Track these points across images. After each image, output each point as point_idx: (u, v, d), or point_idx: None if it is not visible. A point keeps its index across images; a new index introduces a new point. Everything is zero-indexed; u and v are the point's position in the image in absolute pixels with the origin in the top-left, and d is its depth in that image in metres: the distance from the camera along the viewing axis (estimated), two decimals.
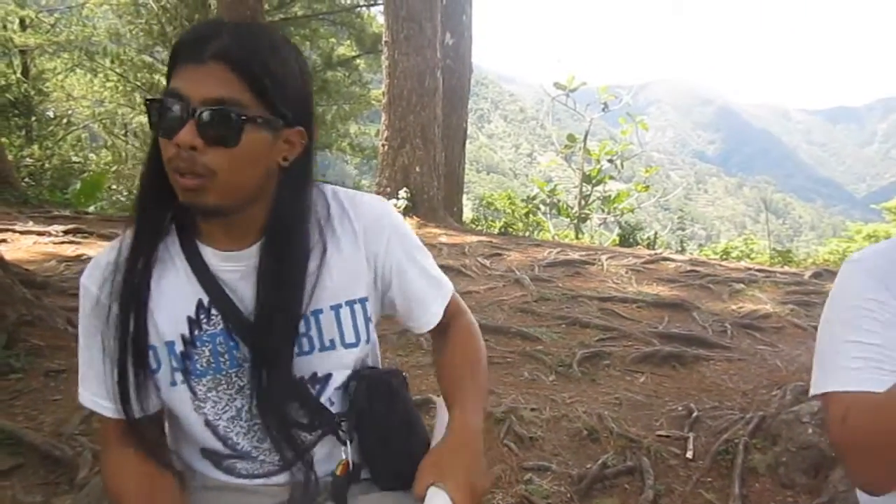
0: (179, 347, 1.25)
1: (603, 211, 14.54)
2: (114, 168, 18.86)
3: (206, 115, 1.07)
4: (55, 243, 5.94)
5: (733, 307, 5.06)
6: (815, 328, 3.95)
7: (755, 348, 4.24)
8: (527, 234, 12.85)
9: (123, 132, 21.80)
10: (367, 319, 1.33)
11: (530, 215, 14.20)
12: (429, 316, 1.41)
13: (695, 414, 3.28)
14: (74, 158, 17.89)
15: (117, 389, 1.21)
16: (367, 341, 1.35)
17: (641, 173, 16.19)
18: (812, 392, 1.22)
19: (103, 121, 21.27)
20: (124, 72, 21.11)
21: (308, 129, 1.19)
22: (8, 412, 3.04)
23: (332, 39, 22.48)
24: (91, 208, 9.96)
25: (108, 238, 6.31)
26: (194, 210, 1.17)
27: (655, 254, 7.38)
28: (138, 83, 21.27)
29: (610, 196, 14.64)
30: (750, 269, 6.70)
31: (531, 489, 2.73)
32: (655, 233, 12.75)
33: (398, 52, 7.62)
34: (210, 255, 1.24)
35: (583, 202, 14.41)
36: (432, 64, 8.58)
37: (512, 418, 3.17)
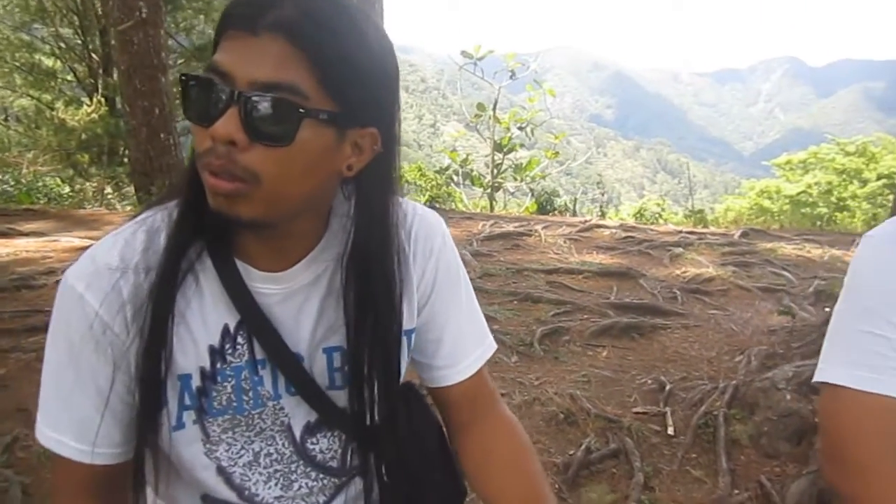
0: (197, 382, 0.99)
1: (515, 179, 14.56)
2: None
3: (254, 101, 0.82)
4: None
5: (677, 272, 5.05)
6: (759, 289, 3.94)
7: (707, 313, 4.22)
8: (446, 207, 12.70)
9: (4, 117, 20.24)
10: (407, 354, 1.12)
11: (443, 187, 14.06)
12: (461, 366, 1.15)
13: (667, 387, 3.19)
14: None
15: (116, 433, 0.99)
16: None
17: (548, 140, 16.29)
18: (815, 378, 1.07)
19: None
20: (0, 51, 19.58)
21: (385, 132, 0.93)
22: None
23: None
24: None
25: (5, 235, 5.72)
26: (226, 220, 0.90)
27: (586, 221, 7.35)
28: (17, 63, 19.79)
29: (521, 164, 14.67)
30: (680, 231, 6.76)
31: None
32: (575, 199, 12.82)
33: None
34: (248, 273, 1.00)
35: (495, 171, 14.37)
36: None
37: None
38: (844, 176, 17.50)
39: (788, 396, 2.86)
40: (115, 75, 18.39)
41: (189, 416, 1.00)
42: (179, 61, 16.52)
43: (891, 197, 16.26)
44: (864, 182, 16.94)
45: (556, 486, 2.57)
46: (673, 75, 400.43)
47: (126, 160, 16.80)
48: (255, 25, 0.82)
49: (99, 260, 0.96)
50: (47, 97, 19.87)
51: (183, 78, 0.87)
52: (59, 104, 18.47)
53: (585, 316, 4.07)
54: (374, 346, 1.00)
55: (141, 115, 10.43)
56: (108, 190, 12.91)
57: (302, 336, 1.03)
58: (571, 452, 2.74)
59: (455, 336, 1.14)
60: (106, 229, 6.47)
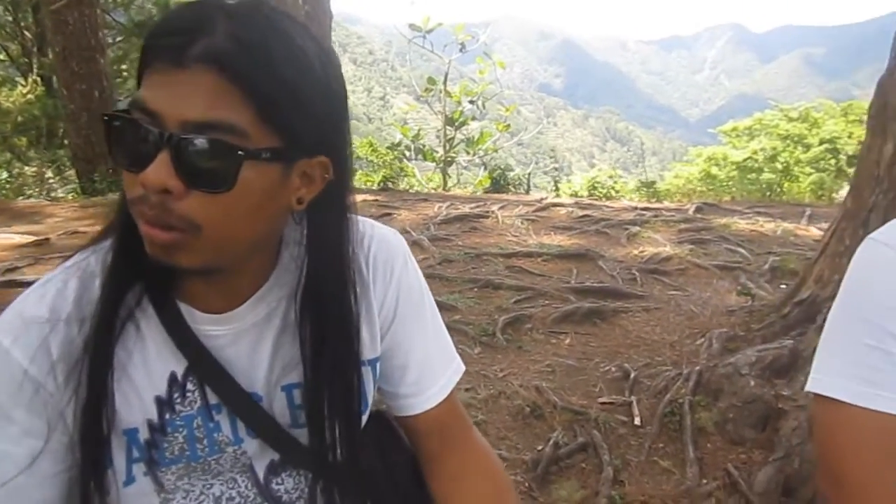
0: (144, 435, 0.92)
1: (468, 153, 14.52)
2: None
3: (187, 145, 0.73)
4: None
5: (635, 252, 5.06)
6: (716, 267, 3.96)
7: (667, 294, 4.24)
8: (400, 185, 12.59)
9: None
10: (373, 384, 1.06)
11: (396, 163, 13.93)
12: (429, 393, 1.09)
13: (632, 375, 3.19)
14: None
15: (55, 499, 0.90)
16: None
17: (498, 112, 16.25)
18: (811, 388, 1.03)
19: None
20: None
21: (336, 159, 0.86)
22: None
23: None
24: None
25: None
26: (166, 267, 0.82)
27: (542, 200, 7.33)
28: None
29: (473, 138, 14.63)
30: (636, 208, 6.79)
31: None
32: (529, 173, 12.82)
33: None
34: (193, 316, 0.92)
35: (447, 145, 14.28)
36: (294, 11, 7.98)
37: None
38: (788, 141, 17.84)
39: (752, 382, 2.87)
40: (51, 55, 17.74)
41: (139, 469, 0.93)
42: (118, 38, 15.91)
43: (832, 161, 16.72)
44: (808, 147, 17.30)
45: (526, 483, 2.54)
46: (620, 43, 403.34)
47: (67, 143, 16.24)
48: (183, 57, 0.72)
49: (27, 313, 0.87)
50: None
51: (106, 118, 0.78)
52: None
53: (547, 302, 4.05)
54: (332, 382, 0.94)
55: (80, 99, 10.05)
56: (49, 174, 12.43)
57: (258, 376, 0.96)
58: (540, 448, 2.71)
59: (421, 362, 1.08)
60: (48, 222, 6.22)
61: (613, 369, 3.30)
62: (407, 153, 14.25)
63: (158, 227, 0.76)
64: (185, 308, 0.91)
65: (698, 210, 6.48)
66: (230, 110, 0.73)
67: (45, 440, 0.87)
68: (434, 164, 14.26)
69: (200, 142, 0.73)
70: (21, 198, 9.33)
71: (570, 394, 3.08)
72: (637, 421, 2.89)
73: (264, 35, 0.76)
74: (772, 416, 2.78)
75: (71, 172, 12.22)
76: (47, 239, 5.31)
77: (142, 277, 0.89)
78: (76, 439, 0.87)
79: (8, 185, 10.79)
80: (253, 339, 0.95)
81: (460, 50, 15.15)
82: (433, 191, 10.17)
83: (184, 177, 0.73)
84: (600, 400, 3.05)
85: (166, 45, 0.74)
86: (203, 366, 0.92)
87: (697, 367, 3.15)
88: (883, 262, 0.98)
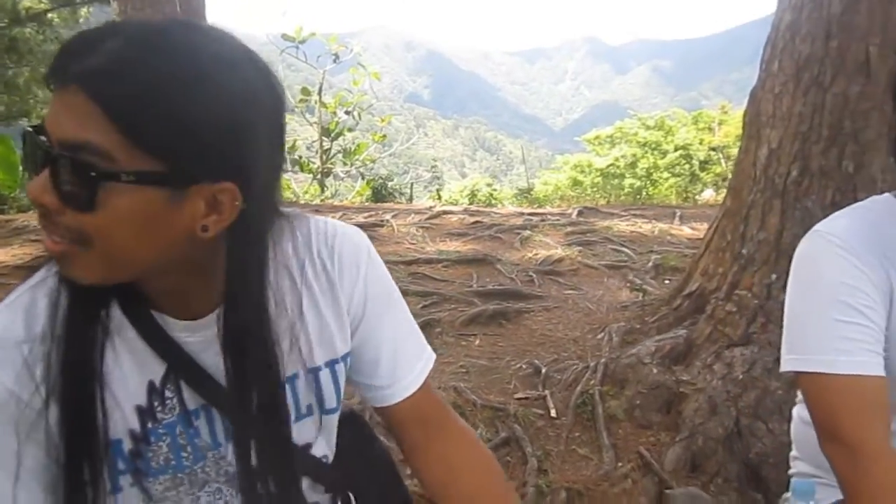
0: (128, 446, 0.93)
1: (344, 164, 14.49)
2: None
3: (60, 162, 0.75)
4: None
5: (529, 255, 5.27)
6: (605, 266, 4.21)
7: (564, 294, 4.45)
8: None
9: None
10: (344, 377, 1.10)
11: None
12: (404, 382, 1.12)
13: (543, 370, 3.34)
14: None
15: None
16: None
17: (372, 122, 16.35)
18: (788, 368, 1.20)
19: None
20: None
21: (247, 185, 0.82)
22: None
23: None
24: None
25: None
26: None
27: (432, 208, 7.47)
28: None
29: (349, 149, 14.63)
30: (522, 213, 7.04)
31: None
32: (412, 185, 12.97)
33: (131, 6, 6.64)
34: (167, 323, 0.94)
35: (324, 157, 14.20)
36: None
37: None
38: (647, 148, 18.96)
39: (654, 370, 3.09)
40: None
41: (125, 480, 0.94)
42: None
43: (686, 166, 17.96)
44: (664, 153, 18.47)
45: None
46: (485, 54, 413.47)
47: None
48: (63, 77, 0.75)
49: (4, 335, 0.87)
50: None
51: (28, 128, 0.79)
52: None
53: (453, 306, 4.16)
54: (252, 401, 0.92)
55: None
56: None
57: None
58: None
59: (393, 352, 1.12)
60: None
61: (524, 366, 3.44)
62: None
63: (52, 237, 0.78)
64: (157, 316, 0.93)
65: (580, 213, 6.83)
66: (93, 132, 0.73)
67: (29, 458, 0.87)
68: (311, 175, 14.14)
69: (64, 161, 0.74)
70: None
71: (487, 392, 3.20)
72: (553, 413, 3.04)
73: (149, 56, 0.74)
74: (674, 401, 3.01)
75: None
76: None
77: (110, 291, 0.90)
78: (60, 454, 0.87)
79: None
80: (218, 349, 0.95)
81: (334, 61, 15.11)
82: (322, 202, 10.09)
83: (59, 193, 0.75)
84: (516, 396, 3.17)
85: (55, 66, 0.76)
86: (182, 368, 0.94)
87: (602, 360, 3.34)
88: (829, 249, 1.17)
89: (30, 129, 0.77)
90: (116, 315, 0.91)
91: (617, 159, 19.32)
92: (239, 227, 0.84)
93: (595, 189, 17.92)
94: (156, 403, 0.94)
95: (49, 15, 19.83)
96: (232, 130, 0.77)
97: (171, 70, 0.74)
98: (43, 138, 0.75)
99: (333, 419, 1.10)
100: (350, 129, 14.68)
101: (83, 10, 20.05)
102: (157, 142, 0.74)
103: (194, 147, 0.76)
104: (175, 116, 0.74)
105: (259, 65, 0.83)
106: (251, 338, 0.90)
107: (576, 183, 19.19)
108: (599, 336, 3.74)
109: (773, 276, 2.95)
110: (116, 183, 0.74)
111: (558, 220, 6.52)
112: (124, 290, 0.90)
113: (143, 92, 0.72)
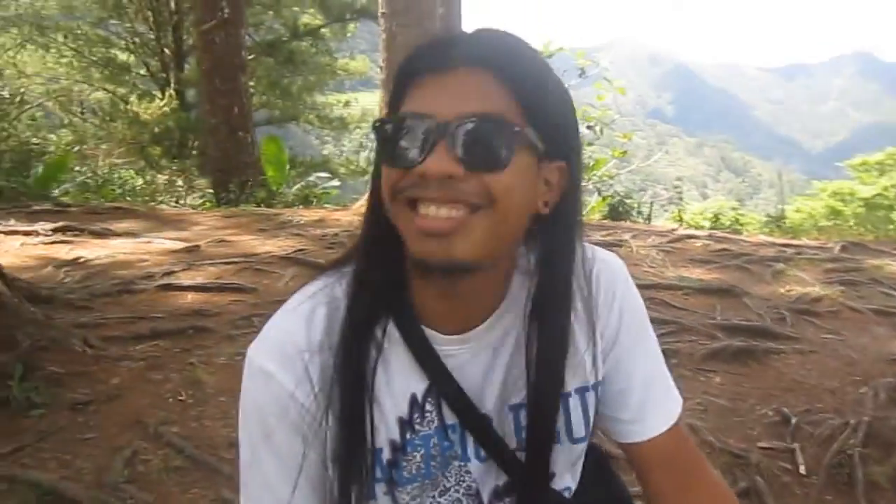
0: (387, 456, 0.97)
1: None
2: (75, 148, 18.07)
3: (466, 131, 0.80)
4: (45, 244, 5.44)
5: (781, 290, 4.84)
6: (872, 311, 3.72)
7: (821, 338, 4.03)
8: None
9: (80, 110, 20.92)
10: (595, 409, 1.07)
11: None
12: (654, 418, 1.07)
13: (793, 421, 3.04)
14: (34, 140, 17.04)
15: None
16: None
17: (613, 138, 16.05)
18: None
19: (59, 98, 20.26)
20: (79, 47, 20.23)
21: (572, 166, 0.91)
22: (37, 457, 2.68)
23: (296, 8, 21.92)
24: (56, 192, 9.33)
25: (100, 235, 5.84)
26: (432, 268, 0.85)
27: (674, 231, 7.15)
28: (94, 58, 20.43)
29: (588, 164, 14.50)
30: (774, 243, 6.51)
31: None
32: (651, 203, 12.55)
33: (396, 23, 7.11)
34: (434, 338, 0.96)
35: None
36: (432, 35, 8.05)
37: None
38: None
39: None
40: (186, 70, 18.88)
41: (381, 489, 0.98)
42: (250, 56, 16.77)
43: None
44: None
45: None
46: (738, 71, 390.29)
47: (195, 153, 17.23)
48: (449, 62, 0.82)
49: (286, 340, 0.93)
50: (122, 91, 20.54)
51: (377, 124, 0.86)
52: (133, 98, 19.10)
53: (693, 337, 3.93)
54: (551, 403, 0.96)
55: (221, 114, 10.61)
56: (179, 183, 13.18)
57: (488, 395, 0.99)
58: None
59: (643, 386, 1.07)
60: (194, 230, 6.58)
61: (770, 413, 3.16)
62: None
63: (446, 205, 0.81)
64: (427, 331, 0.95)
65: (844, 249, 6.15)
66: (501, 103, 0.82)
67: (304, 459, 0.93)
68: None
69: (480, 124, 0.80)
70: (153, 203, 9.89)
71: (726, 435, 2.97)
72: (802, 470, 2.76)
73: (516, 42, 0.86)
74: None
75: (199, 181, 12.94)
76: (197, 246, 5.61)
77: (385, 304, 0.94)
78: (334, 458, 0.92)
79: (143, 191, 11.51)
80: (489, 359, 0.98)
81: (580, 75, 15.09)
82: None
83: (465, 161, 0.80)
84: (760, 444, 2.92)
85: (430, 56, 0.84)
86: (442, 384, 0.96)
87: (865, 418, 2.97)
88: None
89: (397, 117, 0.84)
90: (390, 330, 0.95)
91: (886, 188, 17.30)
92: (559, 213, 0.92)
93: (857, 221, 16.15)
94: (416, 416, 0.97)
95: (322, 30, 21.99)
96: (571, 110, 0.90)
97: (536, 54, 0.87)
98: (428, 119, 0.82)
99: (580, 449, 1.08)
100: (590, 144, 14.60)
101: (350, 26, 21.96)
102: (540, 116, 0.84)
103: (556, 123, 0.87)
104: (548, 94, 0.86)
105: None
106: (553, 329, 0.95)
107: (833, 212, 17.47)
108: (862, 390, 3.33)
109: None
110: (524, 144, 0.83)
111: (817, 254, 5.92)
112: (399, 305, 0.94)
113: (532, 71, 0.85)
